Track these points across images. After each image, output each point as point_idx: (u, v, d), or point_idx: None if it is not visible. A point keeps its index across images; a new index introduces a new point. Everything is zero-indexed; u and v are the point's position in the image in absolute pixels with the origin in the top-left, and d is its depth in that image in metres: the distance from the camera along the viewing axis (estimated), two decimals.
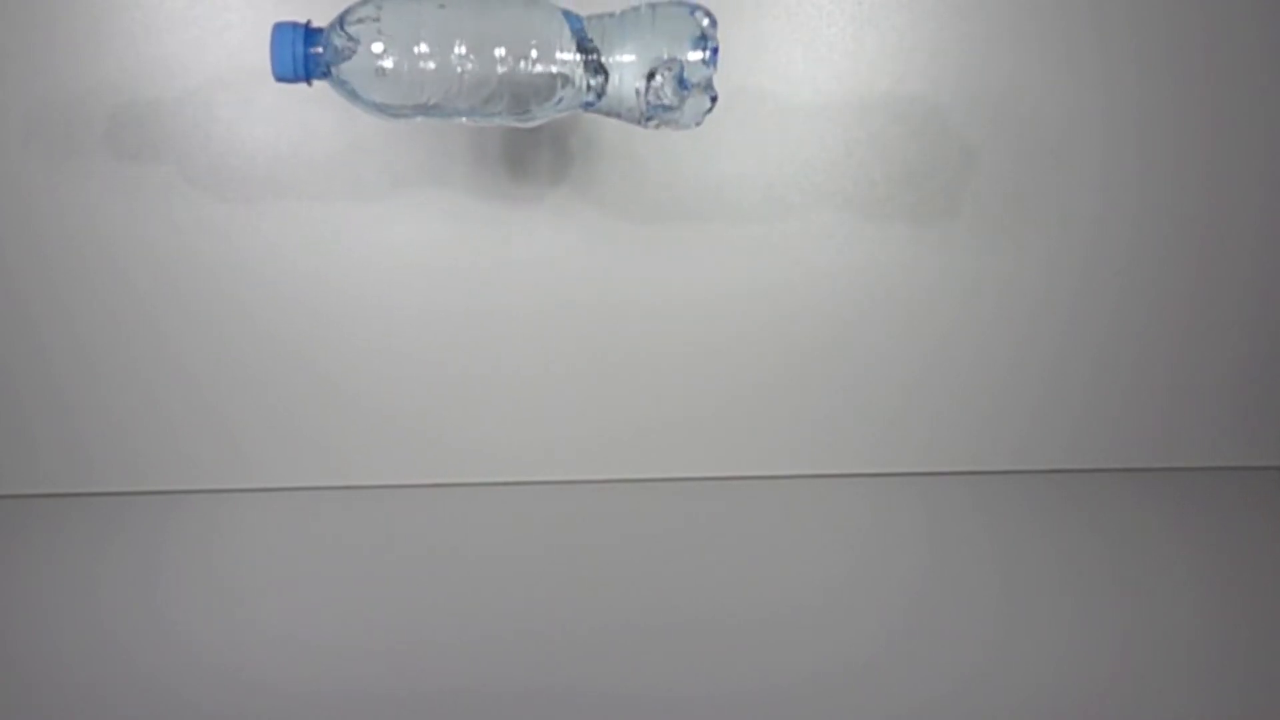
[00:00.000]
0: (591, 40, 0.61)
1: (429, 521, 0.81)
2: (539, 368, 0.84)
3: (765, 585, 0.70)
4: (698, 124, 0.62)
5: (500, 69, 0.60)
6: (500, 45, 0.60)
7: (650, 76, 0.61)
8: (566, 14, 0.62)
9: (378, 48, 0.58)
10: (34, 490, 0.89)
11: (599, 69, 0.61)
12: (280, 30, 0.58)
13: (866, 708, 0.57)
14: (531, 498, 0.84)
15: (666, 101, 0.61)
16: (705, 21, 0.61)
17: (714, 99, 0.62)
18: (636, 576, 0.72)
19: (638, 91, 0.61)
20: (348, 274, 0.83)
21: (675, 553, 0.75)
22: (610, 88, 0.61)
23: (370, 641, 0.65)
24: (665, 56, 0.60)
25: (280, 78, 0.59)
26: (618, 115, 0.62)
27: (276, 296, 0.84)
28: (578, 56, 0.61)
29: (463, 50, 0.59)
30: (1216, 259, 0.81)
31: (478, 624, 0.67)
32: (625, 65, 0.61)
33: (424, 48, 0.59)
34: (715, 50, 0.61)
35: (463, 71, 0.59)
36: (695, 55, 0.60)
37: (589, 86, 0.61)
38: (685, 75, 0.60)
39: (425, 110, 0.61)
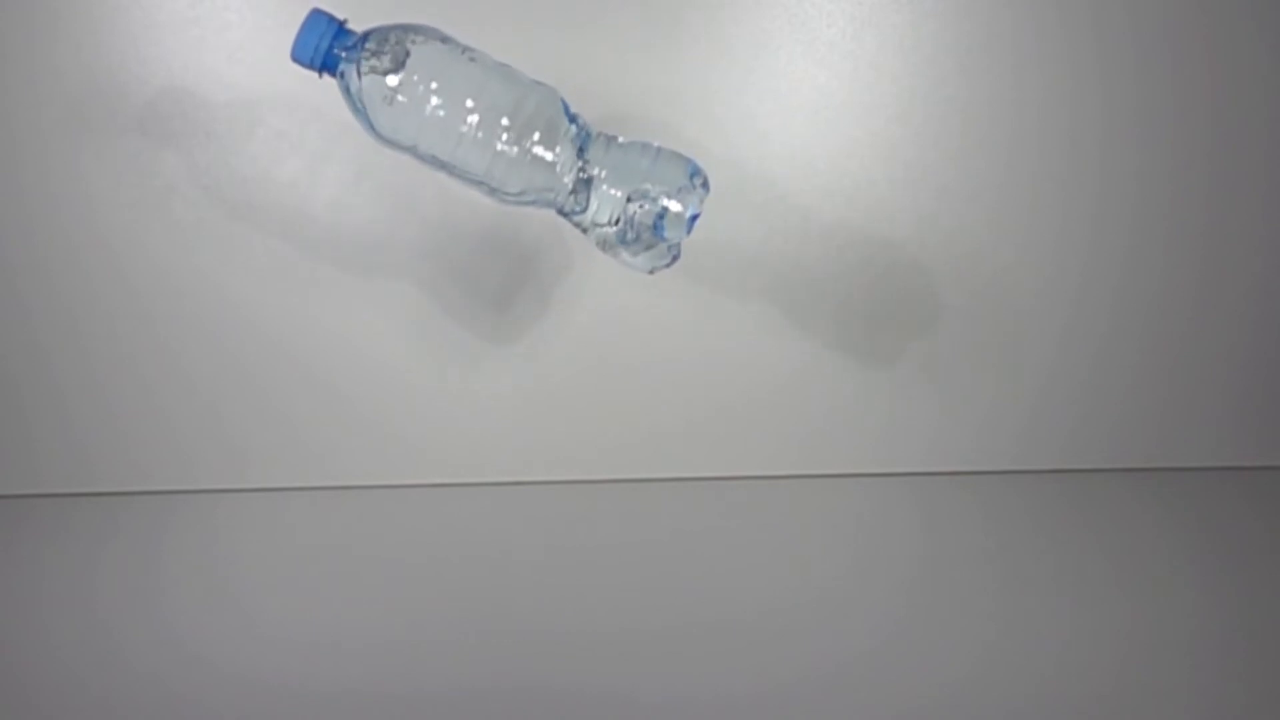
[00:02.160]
0: (591, 150, 0.62)
1: (428, 522, 0.81)
2: (538, 368, 0.84)
3: (765, 585, 0.70)
4: (649, 272, 0.63)
5: (501, 141, 0.60)
6: (509, 117, 0.60)
7: (629, 201, 0.61)
8: (577, 118, 0.63)
9: (393, 80, 0.59)
10: (34, 490, 0.89)
11: (589, 180, 0.61)
12: (315, 16, 0.59)
13: (866, 708, 0.57)
14: (531, 498, 0.84)
15: (636, 233, 0.61)
16: (699, 185, 0.62)
17: (674, 259, 0.62)
18: (636, 576, 0.72)
19: (613, 214, 0.61)
20: (347, 274, 0.83)
21: (675, 553, 0.75)
22: (591, 200, 0.62)
23: (369, 641, 0.65)
24: (653, 193, 0.61)
25: (295, 59, 0.59)
26: (583, 229, 0.63)
27: (276, 297, 0.84)
28: (576, 160, 0.61)
29: (474, 107, 0.60)
30: (1216, 259, 0.81)
31: (477, 624, 0.67)
32: (612, 185, 0.61)
33: (439, 97, 0.60)
34: (696, 217, 0.61)
35: (467, 130, 0.60)
36: (678, 208, 0.61)
37: (573, 190, 0.61)
38: (663, 222, 0.61)
39: (414, 153, 0.61)
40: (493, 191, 0.62)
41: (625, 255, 0.63)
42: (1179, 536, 0.75)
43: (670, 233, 0.61)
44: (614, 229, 0.62)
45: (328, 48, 0.59)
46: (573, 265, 0.81)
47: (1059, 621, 0.65)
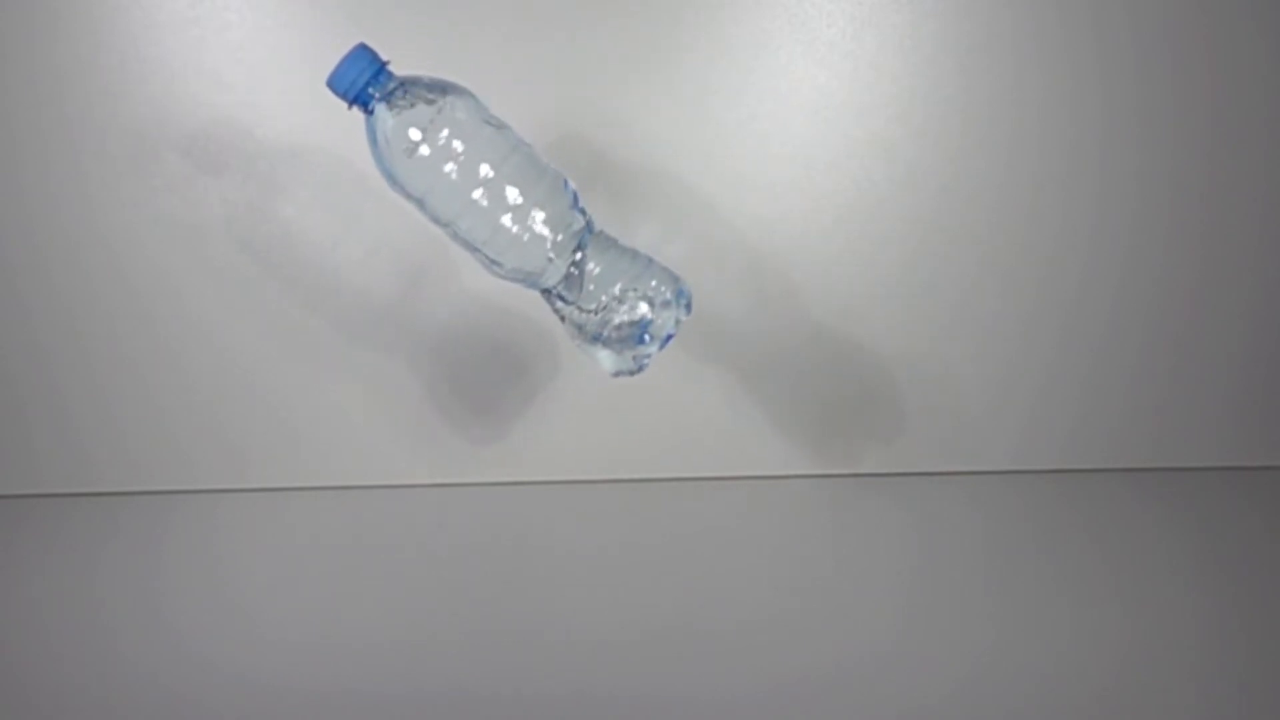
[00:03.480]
0: (590, 244, 0.63)
1: (427, 521, 0.81)
2: (538, 369, 0.84)
3: (764, 585, 0.70)
4: (612, 373, 0.64)
5: (506, 217, 0.61)
6: (520, 196, 0.61)
7: (618, 299, 0.62)
8: (584, 211, 0.64)
9: (415, 134, 0.60)
10: (34, 490, 0.89)
11: (581, 273, 0.62)
12: (361, 51, 0.60)
13: (866, 708, 0.57)
14: (531, 498, 0.84)
15: (617, 331, 0.62)
16: (683, 305, 0.63)
17: (636, 371, 0.64)
18: (636, 576, 0.72)
19: (599, 306, 0.62)
20: (347, 275, 0.83)
21: (674, 553, 0.75)
22: (579, 291, 0.63)
23: (368, 641, 0.65)
24: (640, 295, 0.62)
25: (331, 86, 0.60)
26: (561, 315, 0.64)
27: (275, 297, 0.84)
28: (573, 251, 0.62)
29: (489, 178, 0.61)
30: (1216, 259, 0.81)
31: (476, 624, 0.67)
32: (603, 280, 0.62)
33: (457, 160, 0.60)
34: (670, 338, 0.63)
35: (476, 199, 0.61)
36: (662, 319, 0.62)
37: (564, 277, 0.62)
38: (646, 332, 0.62)
39: (420, 205, 0.62)
40: (487, 262, 0.64)
41: (595, 350, 0.64)
42: (1179, 536, 0.75)
43: (649, 341, 0.63)
44: (593, 318, 0.63)
45: (364, 85, 0.60)
46: None
47: (1059, 621, 0.65)
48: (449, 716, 0.58)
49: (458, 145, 0.61)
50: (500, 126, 0.63)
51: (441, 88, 0.61)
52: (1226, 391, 0.84)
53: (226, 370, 0.86)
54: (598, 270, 0.63)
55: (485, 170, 0.61)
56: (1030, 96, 0.78)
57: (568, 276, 0.63)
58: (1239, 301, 0.82)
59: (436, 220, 0.63)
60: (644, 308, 0.62)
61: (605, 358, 0.64)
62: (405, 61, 0.79)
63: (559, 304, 0.64)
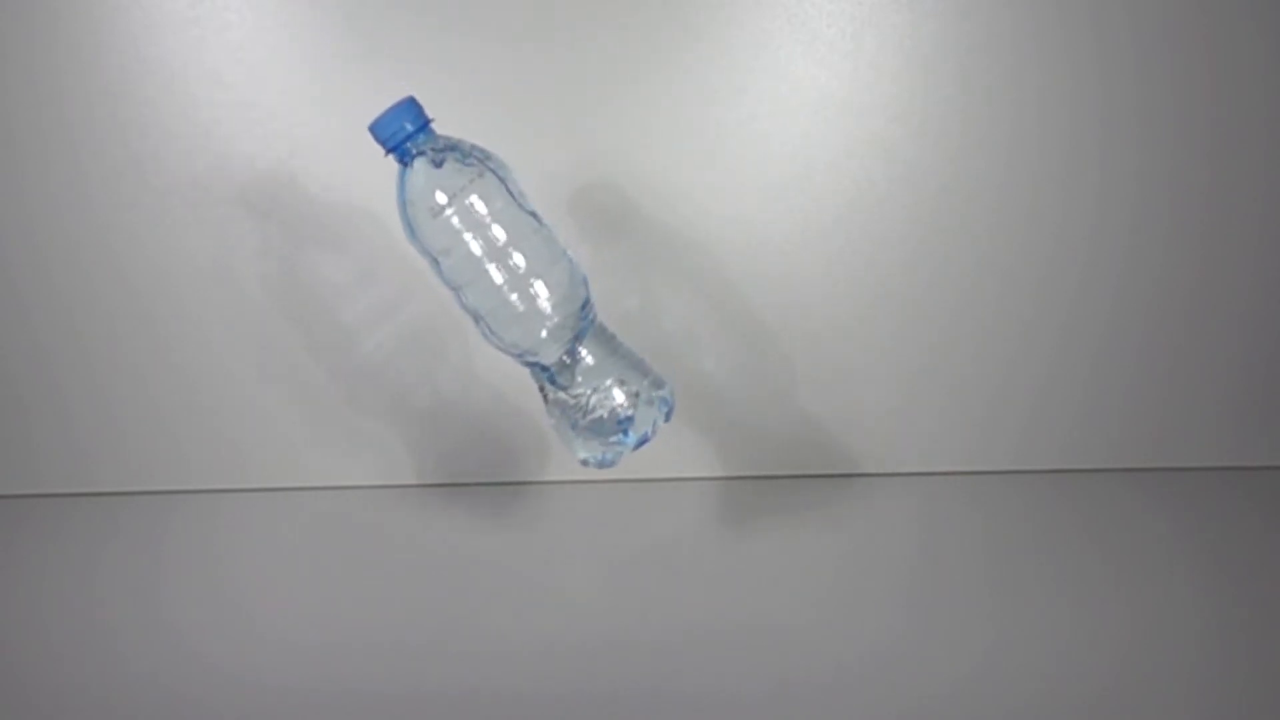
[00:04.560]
0: (589, 337, 0.64)
1: (427, 522, 0.81)
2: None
3: (764, 585, 0.70)
4: (581, 459, 0.65)
5: (515, 294, 0.62)
6: (532, 278, 0.63)
7: (609, 387, 0.64)
8: (590, 305, 0.65)
9: (441, 198, 0.61)
10: (34, 490, 0.89)
11: (574, 362, 0.64)
12: (410, 105, 0.62)
13: (866, 708, 0.57)
14: (531, 498, 0.84)
15: (595, 418, 0.64)
16: (665, 412, 0.65)
17: (606, 464, 0.65)
18: (636, 576, 0.72)
19: (588, 390, 0.64)
20: (346, 275, 0.83)
21: (674, 553, 0.75)
22: (570, 378, 0.64)
23: (367, 641, 0.65)
24: (629, 388, 0.64)
25: (372, 130, 0.62)
26: (545, 396, 0.66)
27: (275, 298, 0.84)
28: (571, 341, 0.64)
29: (505, 256, 0.62)
30: (1216, 259, 0.81)
31: (476, 624, 0.67)
32: (595, 371, 0.64)
33: (479, 232, 0.62)
34: (645, 441, 0.64)
35: (489, 272, 0.62)
36: (642, 417, 0.64)
37: (560, 361, 0.64)
38: (626, 424, 0.64)
39: (433, 263, 0.63)
40: (486, 330, 0.65)
41: (571, 435, 0.65)
42: (1179, 536, 0.75)
43: (626, 438, 0.64)
44: (576, 405, 0.64)
45: (406, 138, 0.61)
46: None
47: (1059, 621, 0.64)
48: (449, 716, 0.58)
49: (483, 217, 0.62)
50: (526, 205, 0.64)
51: (481, 156, 0.63)
52: (1226, 391, 0.84)
53: (227, 370, 0.86)
54: (592, 362, 0.64)
55: (503, 246, 0.62)
56: (1030, 96, 0.78)
57: (561, 361, 0.64)
58: (1239, 301, 0.82)
59: (445, 281, 0.64)
60: (627, 404, 0.64)
61: (579, 444, 0.65)
62: (404, 61, 0.79)
63: (547, 384, 0.65)
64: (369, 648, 0.65)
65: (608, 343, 0.66)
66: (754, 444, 0.87)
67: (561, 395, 0.64)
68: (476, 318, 0.64)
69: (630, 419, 0.64)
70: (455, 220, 0.61)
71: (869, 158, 0.79)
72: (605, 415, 0.64)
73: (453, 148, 0.62)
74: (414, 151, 0.62)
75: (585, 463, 0.65)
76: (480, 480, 0.87)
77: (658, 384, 0.65)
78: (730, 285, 0.83)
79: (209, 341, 0.85)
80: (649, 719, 0.58)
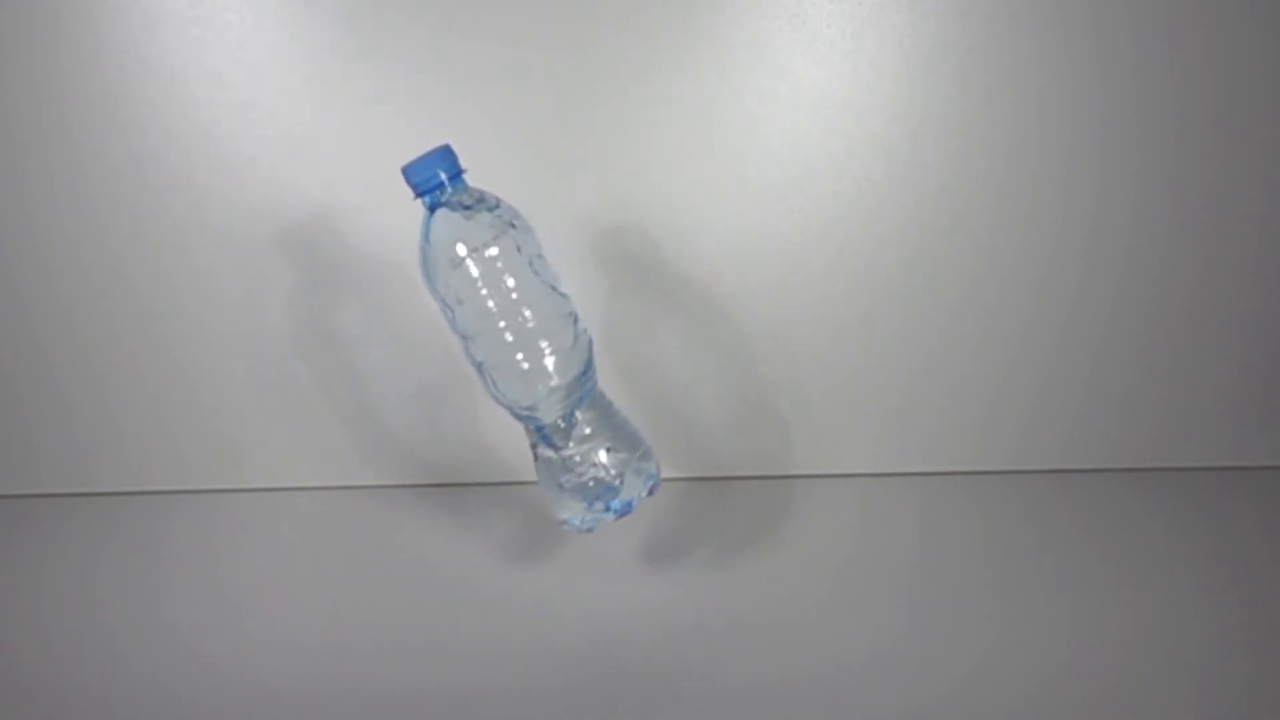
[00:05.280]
0: (587, 405, 0.66)
1: (427, 522, 0.81)
2: None
3: (764, 585, 0.70)
4: (560, 520, 0.67)
5: (522, 353, 0.64)
6: (541, 340, 0.64)
7: (604, 450, 0.65)
8: (592, 374, 0.66)
9: (462, 250, 0.62)
10: (34, 490, 0.89)
11: (570, 426, 0.65)
12: (446, 154, 0.63)
13: (866, 708, 0.57)
14: (531, 498, 0.84)
15: (583, 481, 0.65)
16: (650, 485, 0.67)
17: (585, 529, 0.66)
18: (636, 576, 0.72)
19: (581, 453, 0.65)
20: (347, 276, 0.83)
21: (674, 552, 0.75)
22: (565, 441, 0.66)
23: (367, 641, 0.65)
24: (619, 458, 0.65)
25: (405, 172, 0.63)
26: (535, 452, 0.67)
27: (275, 298, 0.84)
28: (569, 406, 0.65)
29: (518, 315, 0.63)
30: (1216, 259, 0.81)
31: (476, 623, 0.67)
32: (587, 437, 0.65)
33: (496, 289, 0.63)
34: (630, 508, 0.66)
35: (500, 328, 0.63)
36: (629, 487, 0.65)
37: (555, 424, 0.65)
38: (612, 491, 0.65)
39: (444, 311, 0.64)
40: (490, 383, 0.65)
41: (556, 494, 0.66)
42: (1179, 536, 0.75)
43: (611, 506, 0.65)
44: (566, 466, 0.65)
45: (437, 186, 0.63)
46: (571, 264, 0.81)
47: (1059, 621, 0.64)
48: (447, 717, 0.58)
49: (500, 274, 0.63)
50: (545, 267, 0.65)
51: (508, 215, 0.64)
52: (1226, 391, 0.84)
53: (226, 370, 0.86)
54: (587, 428, 0.65)
55: (516, 304, 0.63)
56: (1030, 96, 0.78)
57: (556, 423, 0.65)
58: (1239, 301, 0.82)
59: (454, 328, 0.65)
60: (615, 473, 0.65)
61: (562, 504, 0.66)
62: (404, 61, 0.79)
63: (540, 442, 0.66)
64: (368, 648, 0.65)
65: (604, 410, 0.67)
66: (753, 444, 0.87)
67: (551, 454, 0.66)
68: (481, 369, 0.65)
69: (615, 488, 0.65)
70: (473, 273, 0.63)
71: (869, 158, 0.79)
72: (592, 481, 0.65)
73: (480, 200, 0.64)
74: (443, 200, 0.63)
75: (564, 523, 0.67)
76: (481, 480, 0.87)
77: (646, 457, 0.67)
78: (730, 285, 0.83)
79: (209, 341, 0.85)
80: (649, 718, 0.58)
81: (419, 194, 0.63)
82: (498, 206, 0.64)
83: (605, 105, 0.79)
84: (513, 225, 0.64)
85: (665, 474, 0.87)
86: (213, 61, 0.79)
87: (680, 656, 0.63)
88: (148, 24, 0.78)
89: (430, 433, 0.87)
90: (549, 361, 0.64)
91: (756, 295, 0.83)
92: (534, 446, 0.67)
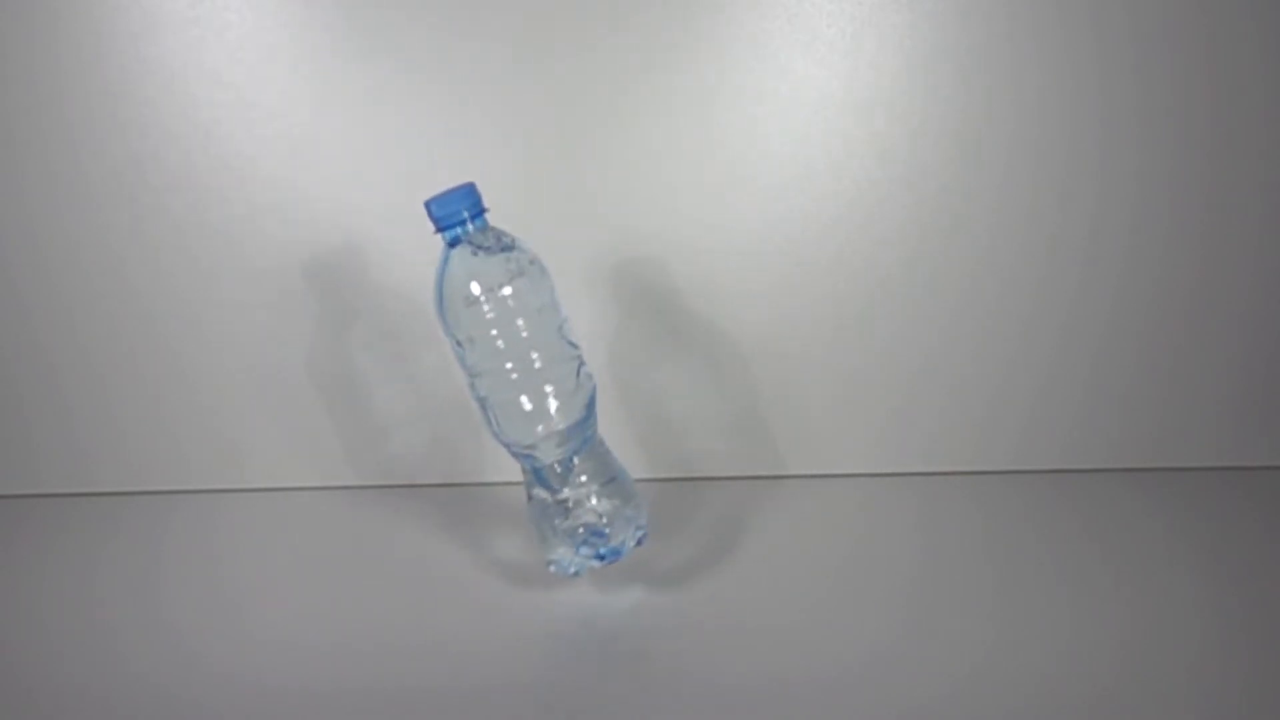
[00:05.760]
0: (586, 452, 0.67)
1: (426, 522, 0.81)
2: None
3: (764, 585, 0.70)
4: (548, 560, 0.67)
5: (526, 396, 0.65)
6: (547, 384, 0.65)
7: (589, 504, 0.66)
8: (591, 418, 0.67)
9: (477, 289, 0.63)
10: (34, 490, 0.89)
11: (568, 470, 0.66)
12: (471, 193, 0.64)
13: (866, 708, 0.57)
14: None
15: (573, 525, 0.66)
16: (638, 537, 0.67)
17: (569, 573, 0.67)
18: (635, 575, 0.72)
19: (572, 500, 0.66)
20: (347, 275, 0.84)
21: (674, 552, 0.75)
22: (560, 480, 0.66)
23: (366, 641, 0.65)
24: (611, 507, 0.66)
25: (428, 206, 0.63)
26: (529, 492, 0.68)
27: (275, 298, 0.84)
28: (567, 450, 0.66)
29: (526, 358, 0.64)
30: (1216, 259, 0.81)
31: (476, 623, 0.67)
32: (582, 484, 0.66)
33: (506, 331, 0.64)
34: (617, 555, 0.67)
35: (507, 369, 0.64)
36: (618, 535, 0.66)
37: (555, 468, 0.66)
38: (600, 538, 0.66)
39: (453, 345, 0.65)
40: (492, 420, 0.66)
41: (546, 533, 0.67)
42: (1179, 536, 0.75)
43: (598, 555, 0.66)
44: (558, 509, 0.66)
45: (459, 223, 0.63)
46: (569, 261, 0.81)
47: (1059, 621, 0.64)
48: (448, 716, 0.58)
49: (512, 316, 0.64)
50: (558, 313, 0.66)
51: (526, 258, 0.65)
52: (1226, 391, 0.84)
53: (226, 370, 0.86)
54: (584, 475, 0.66)
55: (524, 348, 0.64)
56: (1030, 96, 0.78)
57: (553, 467, 0.66)
58: (1239, 301, 0.82)
59: (461, 364, 0.66)
60: (606, 521, 0.66)
61: (551, 545, 0.67)
62: (404, 61, 0.79)
63: (535, 482, 0.67)
64: (368, 648, 0.65)
65: (602, 457, 0.68)
66: (751, 443, 0.87)
67: (545, 496, 0.67)
68: (484, 405, 0.66)
69: (604, 535, 0.66)
70: (485, 313, 0.64)
71: (869, 158, 0.79)
72: (582, 527, 0.66)
73: (499, 241, 0.64)
74: (463, 237, 0.63)
75: (551, 565, 0.67)
76: (482, 481, 0.87)
77: (639, 508, 0.68)
78: (729, 285, 0.83)
79: (209, 342, 0.85)
80: (648, 716, 0.58)
81: (440, 229, 0.64)
82: (516, 248, 0.65)
83: (605, 105, 0.79)
84: (529, 269, 0.65)
85: (663, 474, 0.87)
86: (213, 61, 0.79)
87: (679, 656, 0.63)
88: (148, 24, 0.78)
89: (430, 432, 0.87)
90: (552, 405, 0.65)
91: (756, 295, 0.83)
92: (529, 486, 0.68)
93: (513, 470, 0.87)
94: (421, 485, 0.88)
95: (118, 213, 0.82)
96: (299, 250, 0.83)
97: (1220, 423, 0.85)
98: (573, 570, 0.67)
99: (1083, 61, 0.77)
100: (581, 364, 0.67)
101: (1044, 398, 0.85)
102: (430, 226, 0.64)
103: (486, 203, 0.65)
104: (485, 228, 0.64)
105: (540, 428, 0.65)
